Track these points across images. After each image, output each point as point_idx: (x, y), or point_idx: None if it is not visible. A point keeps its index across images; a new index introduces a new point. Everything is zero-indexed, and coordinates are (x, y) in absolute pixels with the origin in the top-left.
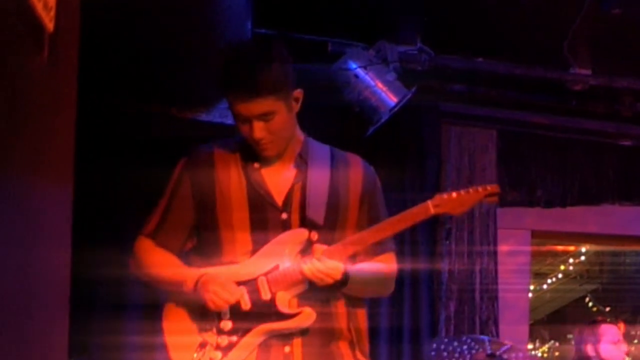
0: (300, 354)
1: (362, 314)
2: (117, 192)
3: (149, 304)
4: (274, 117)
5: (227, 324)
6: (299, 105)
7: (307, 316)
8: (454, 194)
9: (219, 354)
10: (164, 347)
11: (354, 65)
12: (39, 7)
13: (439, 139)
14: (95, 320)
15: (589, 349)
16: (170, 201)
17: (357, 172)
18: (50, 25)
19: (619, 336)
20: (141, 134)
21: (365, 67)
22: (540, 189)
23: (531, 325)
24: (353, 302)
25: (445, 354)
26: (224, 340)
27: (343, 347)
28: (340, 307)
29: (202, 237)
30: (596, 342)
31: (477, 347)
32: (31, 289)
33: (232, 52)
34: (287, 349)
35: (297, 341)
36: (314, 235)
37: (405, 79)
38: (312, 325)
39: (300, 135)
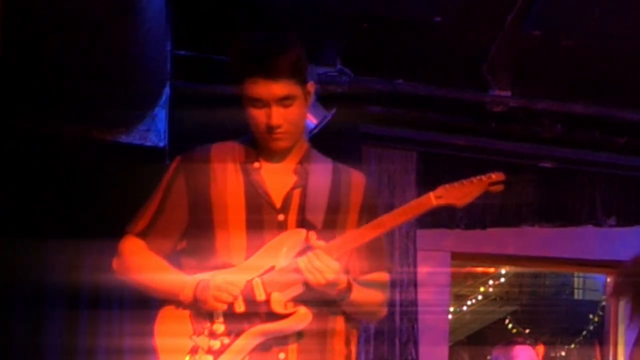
0: None
1: (354, 336)
2: (36, 215)
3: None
4: (293, 103)
5: (219, 327)
6: (311, 98)
7: (302, 317)
8: (457, 184)
9: (210, 358)
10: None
11: None
12: None
13: (359, 161)
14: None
15: None
16: (163, 200)
17: (358, 186)
18: None
19: (534, 358)
20: (60, 157)
21: None
22: (460, 211)
23: (451, 346)
24: (349, 320)
25: None
26: (216, 343)
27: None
28: (338, 321)
29: (195, 238)
30: None
31: None
32: None
33: (250, 38)
34: (282, 355)
35: (293, 347)
36: (313, 236)
37: (324, 100)
38: (308, 330)
39: (305, 141)
